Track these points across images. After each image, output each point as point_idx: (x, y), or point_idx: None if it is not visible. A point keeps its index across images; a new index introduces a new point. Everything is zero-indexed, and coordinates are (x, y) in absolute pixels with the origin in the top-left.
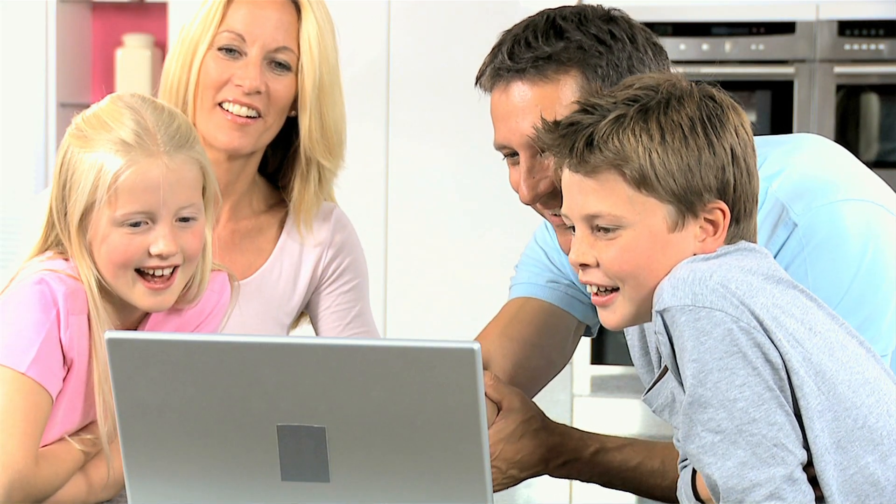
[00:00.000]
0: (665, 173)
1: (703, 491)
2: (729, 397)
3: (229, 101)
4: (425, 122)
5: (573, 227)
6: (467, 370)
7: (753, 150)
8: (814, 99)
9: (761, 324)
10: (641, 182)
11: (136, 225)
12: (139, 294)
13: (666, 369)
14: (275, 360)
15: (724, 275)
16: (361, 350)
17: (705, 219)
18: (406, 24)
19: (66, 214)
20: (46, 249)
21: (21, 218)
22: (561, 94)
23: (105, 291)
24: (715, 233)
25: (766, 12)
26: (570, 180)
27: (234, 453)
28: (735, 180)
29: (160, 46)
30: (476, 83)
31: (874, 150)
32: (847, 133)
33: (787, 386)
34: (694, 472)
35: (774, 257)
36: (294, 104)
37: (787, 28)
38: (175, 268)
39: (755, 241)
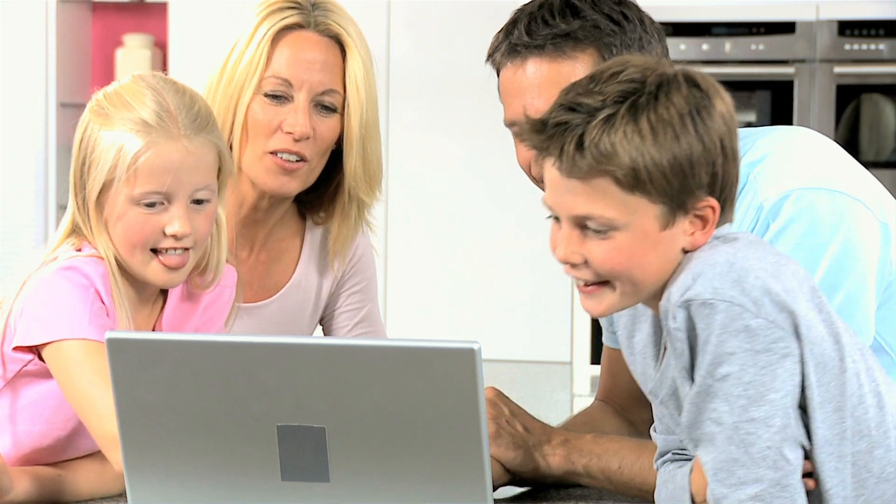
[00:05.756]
0: (658, 174)
1: (700, 491)
2: (733, 393)
3: (280, 150)
4: (425, 120)
5: (555, 218)
6: (467, 370)
7: (737, 133)
8: (814, 99)
9: (783, 310)
10: (634, 184)
11: (151, 205)
12: (153, 271)
13: (664, 358)
14: (275, 360)
15: (744, 264)
16: (361, 350)
17: (695, 215)
18: (406, 24)
19: (84, 190)
20: (73, 231)
21: (21, 217)
22: (575, 73)
23: (121, 269)
24: (704, 227)
25: (766, 12)
26: (557, 180)
27: (234, 453)
28: (723, 171)
29: (160, 46)
30: (488, 59)
31: (873, 150)
32: (847, 133)
33: (801, 379)
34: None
35: None
36: (337, 140)
37: (787, 28)
38: (187, 248)
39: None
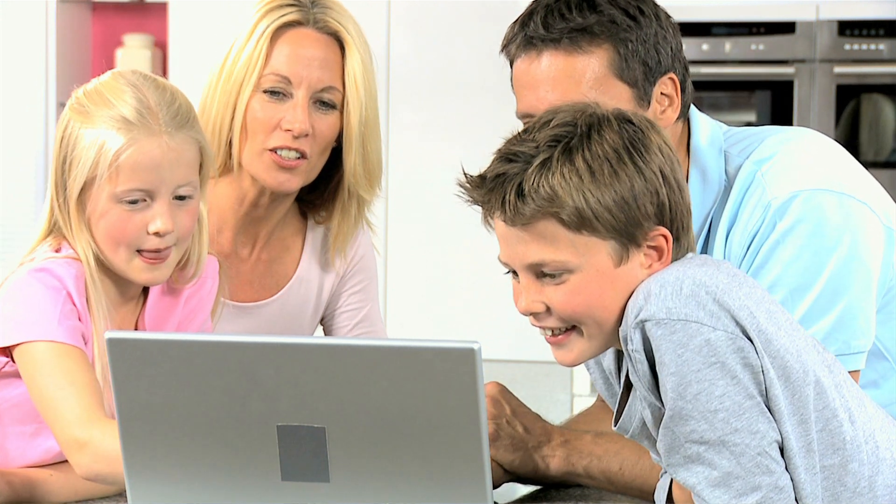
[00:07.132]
0: (602, 210)
1: (680, 498)
2: (709, 409)
3: (279, 147)
4: (424, 120)
5: (514, 272)
6: (467, 370)
7: (678, 164)
8: (814, 99)
9: (738, 322)
10: (580, 224)
11: (134, 202)
12: (136, 269)
13: (627, 395)
14: (275, 360)
15: (694, 278)
16: (361, 350)
17: (648, 246)
18: (406, 24)
19: (65, 188)
20: (51, 231)
21: (21, 217)
22: (590, 67)
23: (102, 267)
24: (660, 258)
25: (766, 12)
26: (507, 232)
27: (234, 453)
28: (669, 200)
29: (160, 46)
30: (502, 50)
31: (873, 150)
32: (846, 133)
33: (765, 389)
34: (671, 482)
35: (752, 238)
36: (337, 138)
37: (787, 28)
38: (170, 245)
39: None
